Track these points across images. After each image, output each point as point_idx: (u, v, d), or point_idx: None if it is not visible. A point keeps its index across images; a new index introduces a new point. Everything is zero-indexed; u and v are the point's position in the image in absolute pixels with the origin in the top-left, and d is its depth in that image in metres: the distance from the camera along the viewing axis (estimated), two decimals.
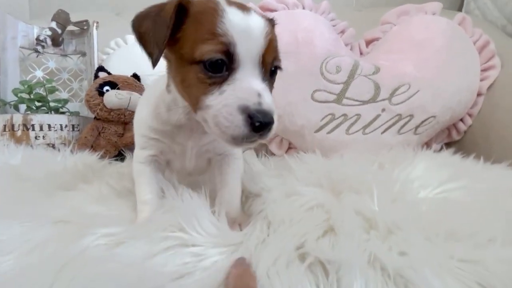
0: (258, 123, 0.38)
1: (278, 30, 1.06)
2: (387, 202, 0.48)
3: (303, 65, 1.03)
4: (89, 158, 0.86)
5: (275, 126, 0.40)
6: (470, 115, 1.13)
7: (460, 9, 1.78)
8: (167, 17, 0.42)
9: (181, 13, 0.43)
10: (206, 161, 0.61)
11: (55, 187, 0.59)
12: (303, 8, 1.15)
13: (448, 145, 1.21)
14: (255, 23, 0.41)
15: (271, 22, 0.45)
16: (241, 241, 0.43)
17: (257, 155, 1.23)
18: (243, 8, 0.43)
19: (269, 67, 0.42)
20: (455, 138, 1.16)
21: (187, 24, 0.43)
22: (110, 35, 1.46)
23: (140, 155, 0.58)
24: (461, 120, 1.13)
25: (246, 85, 0.40)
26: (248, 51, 0.40)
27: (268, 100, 0.40)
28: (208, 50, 0.40)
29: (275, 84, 0.52)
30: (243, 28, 0.40)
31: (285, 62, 1.04)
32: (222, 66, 0.41)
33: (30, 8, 1.93)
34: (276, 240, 0.42)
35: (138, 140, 0.58)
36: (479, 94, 1.11)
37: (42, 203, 0.52)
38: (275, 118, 0.40)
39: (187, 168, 0.61)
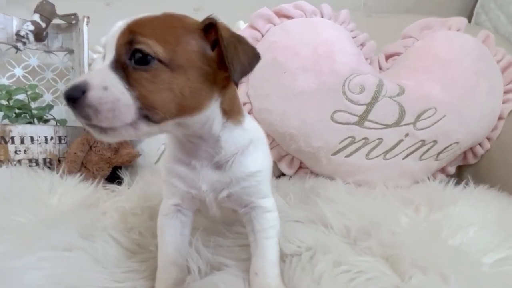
0: (65, 97, 0.37)
1: (296, 41, 0.96)
2: (460, 286, 0.40)
3: (323, 82, 0.94)
4: (82, 187, 0.74)
5: (88, 101, 0.36)
6: (488, 139, 1.08)
7: (469, 21, 1.73)
8: None
9: None
10: (232, 211, 0.52)
11: (46, 245, 0.47)
12: (322, 16, 1.05)
13: (461, 167, 1.17)
14: (117, 25, 0.41)
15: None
16: None
17: None
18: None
19: (122, 51, 0.38)
20: (471, 161, 1.12)
21: None
22: (99, 29, 1.30)
23: (164, 206, 0.51)
24: (479, 143, 1.08)
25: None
26: (107, 42, 0.40)
27: (89, 75, 0.38)
28: None
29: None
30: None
31: (303, 78, 0.95)
32: None
33: None
34: None
35: (163, 188, 0.52)
36: (499, 118, 1.06)
37: (29, 275, 0.41)
38: (90, 93, 0.36)
39: (215, 218, 0.53)
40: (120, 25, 0.40)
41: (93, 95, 0.36)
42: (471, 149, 1.09)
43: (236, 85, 0.41)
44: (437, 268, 0.42)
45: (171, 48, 0.38)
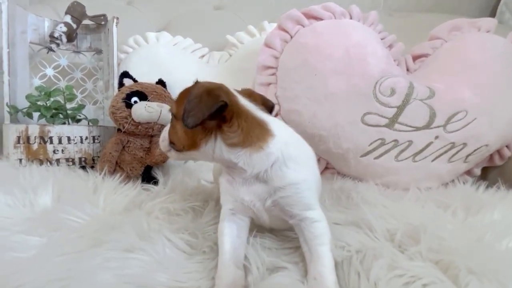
0: None
1: (327, 43, 0.97)
2: None
3: (354, 85, 0.94)
4: (123, 188, 0.76)
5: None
6: None
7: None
8: None
9: None
10: (282, 220, 0.54)
11: (110, 247, 0.49)
12: (351, 17, 1.05)
13: (486, 169, 1.17)
14: None
15: None
16: None
17: None
18: None
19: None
20: (498, 163, 1.11)
21: None
22: (123, 28, 1.32)
23: (222, 211, 0.57)
24: (506, 145, 1.08)
25: None
26: None
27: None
28: None
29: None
30: None
31: (335, 80, 0.96)
32: None
33: None
34: None
35: (221, 197, 0.59)
36: None
37: (102, 275, 0.43)
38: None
39: (266, 225, 0.57)
40: None
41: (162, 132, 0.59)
42: (498, 151, 1.09)
43: (188, 127, 0.50)
44: (493, 275, 0.43)
45: (176, 105, 0.55)
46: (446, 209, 0.70)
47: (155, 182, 0.91)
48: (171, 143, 0.57)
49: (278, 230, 0.60)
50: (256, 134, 0.52)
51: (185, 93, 0.55)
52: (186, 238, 0.57)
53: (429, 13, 1.75)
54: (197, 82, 0.54)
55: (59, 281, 0.43)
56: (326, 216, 0.65)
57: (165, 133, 0.58)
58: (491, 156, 1.11)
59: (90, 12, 1.27)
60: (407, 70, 1.12)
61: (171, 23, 1.58)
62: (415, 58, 1.13)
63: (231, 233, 0.53)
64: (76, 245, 0.50)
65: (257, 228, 0.57)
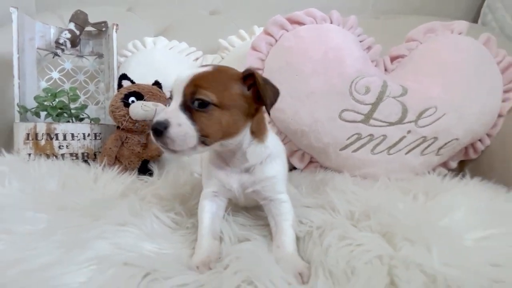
0: (152, 129, 0.52)
1: (308, 46, 1.05)
2: (441, 255, 0.49)
3: (332, 84, 1.03)
4: (120, 178, 0.86)
5: (169, 134, 0.51)
6: (489, 135, 1.15)
7: (476, 20, 1.78)
8: None
9: None
10: (255, 201, 0.64)
11: (106, 221, 0.59)
12: (331, 22, 1.13)
13: (463, 162, 1.24)
14: (186, 71, 0.56)
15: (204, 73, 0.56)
16: None
17: None
18: (200, 67, 0.57)
19: (188, 98, 0.54)
20: (472, 156, 1.19)
21: None
22: (122, 33, 1.42)
23: (204, 192, 0.65)
24: (480, 139, 1.15)
25: (166, 107, 0.56)
26: (174, 88, 0.56)
27: (168, 115, 0.52)
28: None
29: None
30: (177, 76, 0.56)
31: (314, 80, 1.04)
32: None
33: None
34: None
35: (203, 179, 0.67)
36: (499, 115, 1.13)
37: (99, 244, 0.53)
38: (171, 128, 0.51)
39: (242, 204, 0.68)
40: (184, 77, 0.55)
41: (172, 131, 0.51)
42: (472, 145, 1.17)
43: (269, 113, 0.57)
44: (423, 241, 0.52)
45: (220, 94, 0.54)
46: (408, 194, 0.78)
47: (150, 174, 1.00)
48: (203, 136, 0.53)
49: (252, 209, 0.68)
50: (263, 126, 0.64)
51: (222, 80, 0.55)
52: (173, 216, 0.66)
53: (415, 15, 1.82)
54: (249, 69, 0.57)
55: (63, 247, 0.52)
56: (301, 201, 0.75)
57: (188, 130, 0.52)
58: (466, 150, 1.19)
59: (93, 18, 1.37)
60: (385, 70, 1.20)
61: (168, 28, 1.67)
62: (393, 58, 1.21)
63: (211, 211, 0.62)
64: (78, 220, 0.59)
65: (232, 207, 0.66)
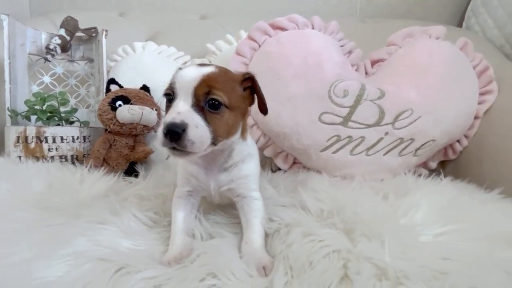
0: (165, 131, 0.51)
1: (289, 51, 1.09)
2: (395, 249, 0.53)
3: (312, 88, 1.07)
4: (106, 179, 0.89)
5: (189, 137, 0.51)
6: (466, 137, 1.19)
7: (460, 24, 1.82)
8: None
9: None
10: (229, 198, 0.68)
11: (87, 220, 0.62)
12: (313, 27, 1.17)
13: (444, 162, 1.28)
14: (194, 69, 0.56)
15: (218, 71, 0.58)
16: (267, 286, 0.48)
17: (263, 168, 1.29)
18: (202, 65, 0.58)
19: (202, 98, 0.55)
20: (451, 157, 1.23)
21: None
22: (114, 38, 1.46)
23: (178, 191, 0.68)
24: (458, 141, 1.19)
25: (174, 108, 0.54)
26: (181, 86, 0.55)
27: (184, 116, 0.52)
28: (165, 89, 0.58)
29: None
30: (182, 73, 0.56)
31: (295, 84, 1.08)
32: (171, 98, 0.57)
33: (30, 5, 1.89)
34: (299, 287, 0.47)
35: (178, 179, 0.69)
36: (476, 117, 1.17)
37: (78, 240, 0.56)
38: (190, 130, 0.51)
39: (215, 202, 0.71)
40: (193, 76, 0.55)
41: (192, 133, 0.51)
42: (451, 146, 1.21)
43: (266, 113, 0.65)
44: (379, 236, 0.55)
45: (229, 96, 0.56)
46: (379, 193, 0.82)
47: (136, 175, 1.04)
48: (215, 137, 0.55)
49: (225, 208, 0.72)
50: (246, 125, 0.68)
51: (229, 81, 0.58)
52: (151, 215, 0.69)
53: (402, 19, 1.87)
54: (249, 72, 0.62)
55: (45, 243, 0.56)
56: (277, 201, 0.78)
57: (205, 131, 0.53)
58: (445, 151, 1.23)
59: (86, 23, 1.41)
60: (366, 73, 1.25)
61: (159, 32, 1.71)
62: (373, 62, 1.26)
63: (185, 209, 0.66)
64: (60, 218, 0.63)
65: (206, 205, 0.70)
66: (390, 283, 0.47)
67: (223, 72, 0.59)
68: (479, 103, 1.17)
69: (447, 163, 1.29)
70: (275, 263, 0.54)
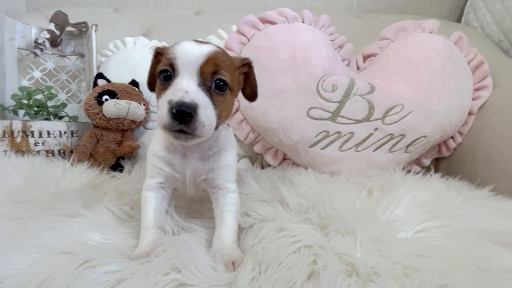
0: (175, 111, 0.46)
1: (276, 45, 1.07)
2: (369, 245, 0.51)
3: (300, 83, 1.05)
4: (89, 173, 0.88)
5: (200, 119, 0.48)
6: (460, 133, 1.16)
7: (459, 19, 1.78)
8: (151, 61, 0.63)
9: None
10: (204, 190, 0.65)
11: (57, 213, 0.61)
12: (303, 21, 1.15)
13: (438, 159, 1.26)
14: (197, 46, 0.52)
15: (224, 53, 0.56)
16: (232, 281, 0.47)
17: (253, 165, 1.28)
18: (200, 42, 0.54)
19: (208, 77, 0.52)
20: (445, 154, 1.20)
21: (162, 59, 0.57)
22: (108, 34, 1.46)
23: (148, 183, 0.64)
24: (452, 137, 1.17)
25: (179, 86, 0.50)
26: (184, 63, 0.51)
27: (193, 95, 0.48)
28: (161, 65, 0.54)
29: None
30: (184, 49, 0.52)
31: (282, 78, 1.06)
32: (169, 76, 0.53)
33: (27, 0, 1.89)
34: (265, 283, 0.45)
35: (148, 169, 0.65)
36: (470, 114, 1.15)
37: (45, 233, 0.55)
38: (201, 112, 0.48)
39: (189, 195, 0.68)
40: (197, 53, 0.51)
41: (203, 114, 0.48)
42: (445, 143, 1.18)
43: (254, 100, 0.66)
44: (353, 232, 0.54)
45: (232, 77, 0.55)
46: (363, 189, 0.80)
47: (121, 170, 1.03)
48: (218, 120, 0.53)
49: (199, 202, 0.71)
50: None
51: (231, 63, 0.56)
52: (126, 210, 0.68)
53: (399, 14, 1.84)
54: (247, 58, 0.61)
55: (14, 235, 0.55)
56: (259, 196, 0.77)
57: (213, 114, 0.50)
58: (439, 148, 1.20)
59: (80, 18, 1.40)
60: (358, 68, 1.22)
61: (152, 28, 1.70)
62: (365, 57, 1.23)
63: (156, 202, 0.63)
64: (30, 211, 0.62)
65: (179, 199, 0.68)
66: (360, 279, 0.46)
67: (225, 53, 0.56)
68: (474, 99, 1.14)
69: (441, 160, 1.26)
70: (245, 258, 0.52)
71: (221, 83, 0.52)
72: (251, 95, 0.66)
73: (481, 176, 1.02)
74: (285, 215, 0.62)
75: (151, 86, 0.65)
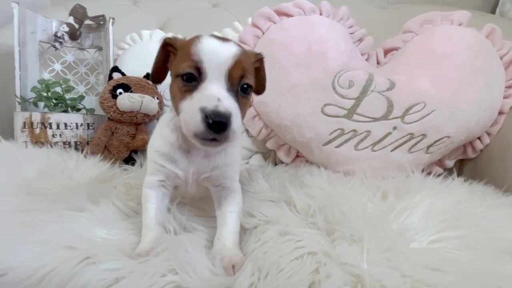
0: (211, 121, 0.45)
1: (292, 38, 1.03)
2: (377, 255, 0.48)
3: (315, 78, 1.01)
4: (100, 166, 0.89)
5: (233, 128, 0.47)
6: (488, 134, 1.08)
7: (494, 10, 1.65)
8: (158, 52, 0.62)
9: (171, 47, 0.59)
10: (205, 189, 0.64)
11: (65, 206, 0.62)
12: (321, 13, 1.10)
13: (463, 161, 1.18)
14: (223, 46, 0.51)
15: (252, 53, 0.57)
16: (230, 286, 0.45)
17: (266, 161, 1.25)
18: (221, 39, 0.52)
19: (236, 82, 0.51)
20: (471, 156, 1.13)
21: (177, 53, 0.57)
22: (126, 27, 1.48)
23: (149, 180, 0.62)
24: (479, 138, 1.09)
25: (209, 92, 0.48)
26: (213, 67, 0.49)
27: (227, 104, 0.47)
28: (183, 66, 0.51)
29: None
30: (210, 49, 0.50)
31: (296, 73, 1.03)
32: (193, 78, 0.50)
33: None
34: None
35: (148, 166, 0.63)
36: (500, 113, 1.06)
37: (51, 227, 0.56)
38: (234, 120, 0.47)
39: (190, 193, 0.65)
40: (226, 55, 0.49)
41: (236, 122, 0.47)
42: (471, 144, 1.10)
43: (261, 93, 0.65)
44: (361, 240, 0.50)
45: (254, 79, 0.55)
46: (377, 192, 0.76)
47: (133, 163, 1.04)
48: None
49: (201, 201, 0.69)
50: None
51: (252, 63, 0.56)
52: (132, 205, 0.68)
53: (427, 4, 1.73)
54: (261, 53, 0.61)
55: (21, 227, 0.56)
56: (267, 195, 0.74)
57: (240, 120, 0.50)
58: (464, 149, 1.13)
59: (100, 11, 1.42)
60: (378, 63, 1.16)
61: (170, 20, 1.70)
62: (387, 51, 1.16)
63: (157, 201, 0.61)
64: (39, 204, 0.64)
65: (181, 198, 0.67)
66: None
67: (247, 53, 0.54)
68: (505, 97, 1.05)
69: (466, 162, 1.18)
70: (245, 262, 0.51)
71: (246, 87, 0.52)
72: (258, 89, 0.65)
73: (510, 181, 0.94)
74: (290, 218, 0.60)
75: (156, 77, 0.64)
